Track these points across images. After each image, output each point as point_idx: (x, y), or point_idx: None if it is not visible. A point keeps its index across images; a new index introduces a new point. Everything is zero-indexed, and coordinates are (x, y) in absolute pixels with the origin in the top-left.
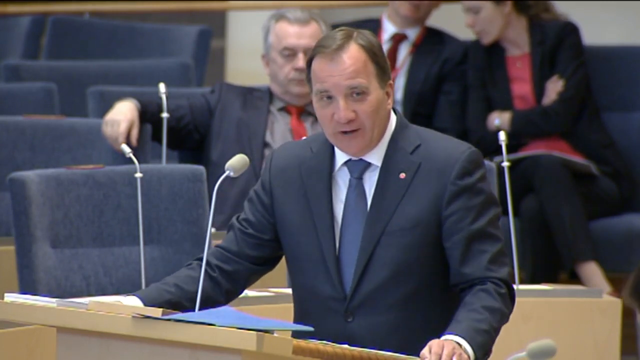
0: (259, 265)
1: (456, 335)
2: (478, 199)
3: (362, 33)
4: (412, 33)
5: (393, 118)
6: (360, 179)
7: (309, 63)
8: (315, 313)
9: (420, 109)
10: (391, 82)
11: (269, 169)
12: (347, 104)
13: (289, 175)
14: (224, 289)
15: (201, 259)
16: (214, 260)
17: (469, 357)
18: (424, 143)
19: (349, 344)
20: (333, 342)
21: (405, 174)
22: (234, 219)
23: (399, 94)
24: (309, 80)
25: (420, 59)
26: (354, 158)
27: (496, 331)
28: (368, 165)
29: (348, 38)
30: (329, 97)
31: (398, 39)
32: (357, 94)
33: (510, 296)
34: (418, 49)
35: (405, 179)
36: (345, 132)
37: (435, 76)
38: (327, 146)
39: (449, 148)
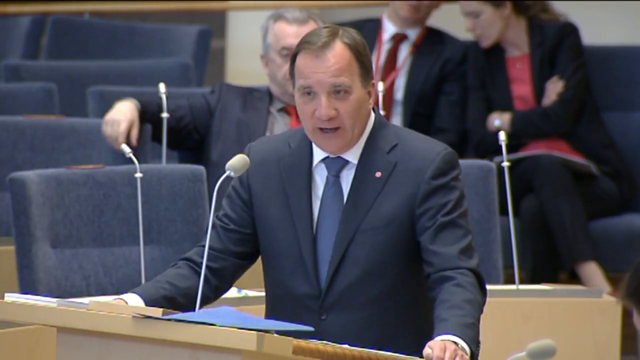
0: (243, 260)
1: (449, 334)
2: (451, 195)
3: (347, 31)
4: (413, 33)
5: (372, 117)
6: (337, 176)
7: (292, 58)
8: (289, 310)
9: (420, 109)
10: (373, 81)
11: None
12: (329, 102)
13: (267, 170)
14: (213, 285)
15: (186, 259)
16: (199, 258)
17: (467, 354)
18: (401, 143)
19: (323, 340)
20: (306, 340)
21: (381, 173)
22: (214, 217)
23: (399, 94)
24: (292, 75)
25: (421, 59)
26: (331, 155)
27: (479, 322)
28: (346, 163)
29: (334, 36)
30: (311, 94)
31: (398, 39)
32: (340, 92)
33: (481, 286)
34: (418, 49)
35: (380, 178)
36: (325, 130)
37: (435, 76)
38: (306, 142)
39: (425, 149)
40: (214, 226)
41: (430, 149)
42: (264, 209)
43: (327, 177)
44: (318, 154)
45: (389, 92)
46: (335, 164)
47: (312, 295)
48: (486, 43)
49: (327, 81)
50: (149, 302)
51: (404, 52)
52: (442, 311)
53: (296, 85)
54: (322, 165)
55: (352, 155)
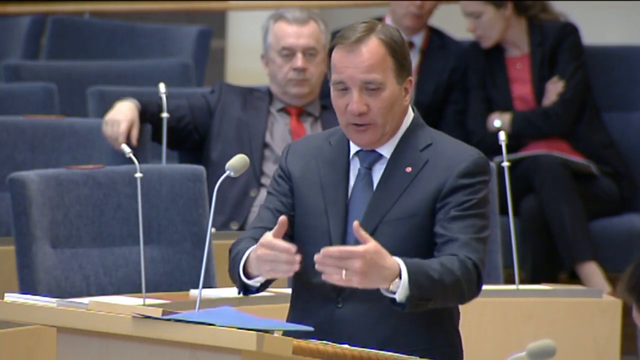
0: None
1: (403, 263)
2: (473, 197)
3: (385, 27)
4: (418, 39)
5: (410, 115)
6: (369, 169)
7: (329, 52)
8: (308, 297)
9: (429, 119)
10: (411, 78)
11: (286, 157)
12: (361, 97)
13: (306, 163)
14: None
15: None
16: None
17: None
18: (435, 143)
19: (336, 329)
20: (320, 327)
21: (411, 169)
22: (261, 207)
23: None
24: (329, 68)
25: (429, 69)
26: (365, 149)
27: (444, 289)
28: (379, 157)
29: (370, 31)
30: (345, 89)
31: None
32: (372, 88)
33: (478, 280)
34: (426, 56)
35: (410, 172)
36: (357, 125)
37: (444, 86)
38: (345, 138)
39: (458, 150)
40: (263, 209)
41: (464, 151)
42: (302, 198)
43: (359, 169)
44: (354, 147)
45: None
46: (369, 157)
47: (332, 284)
48: (487, 43)
49: (358, 77)
50: None
51: (414, 62)
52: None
53: (331, 79)
54: (357, 158)
55: (386, 150)
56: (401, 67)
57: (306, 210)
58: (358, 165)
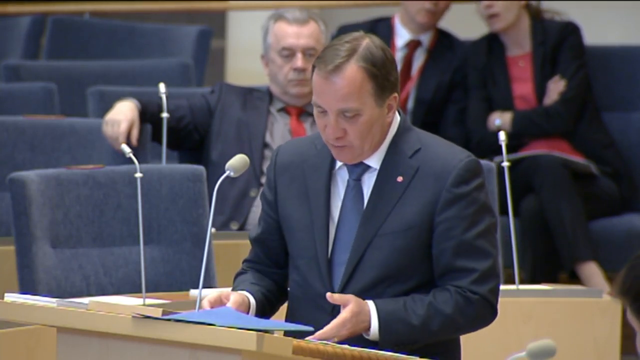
0: (284, 268)
1: (375, 312)
2: (471, 208)
3: (368, 47)
4: (426, 38)
5: (396, 120)
6: (358, 180)
7: (312, 68)
8: (304, 309)
9: (429, 118)
10: (395, 95)
11: (274, 165)
12: (337, 123)
13: (293, 172)
14: (282, 286)
15: (248, 261)
16: (247, 268)
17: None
18: (424, 147)
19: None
20: (306, 340)
21: (402, 178)
22: (252, 232)
23: (410, 102)
24: None
25: (433, 68)
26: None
27: (431, 333)
28: (367, 167)
29: (350, 56)
30: (323, 111)
31: (413, 46)
32: (348, 115)
33: (483, 311)
34: (432, 56)
35: (402, 182)
36: (335, 145)
37: (446, 85)
38: None
39: (448, 155)
40: (250, 240)
41: (453, 155)
42: (287, 210)
43: (348, 181)
44: None
45: (403, 103)
46: (357, 168)
47: (325, 295)
48: (499, 25)
49: (334, 105)
50: (257, 300)
51: (419, 60)
52: (406, 297)
53: (312, 97)
54: (344, 168)
55: (374, 161)
56: (382, 89)
57: (292, 222)
58: (346, 177)
